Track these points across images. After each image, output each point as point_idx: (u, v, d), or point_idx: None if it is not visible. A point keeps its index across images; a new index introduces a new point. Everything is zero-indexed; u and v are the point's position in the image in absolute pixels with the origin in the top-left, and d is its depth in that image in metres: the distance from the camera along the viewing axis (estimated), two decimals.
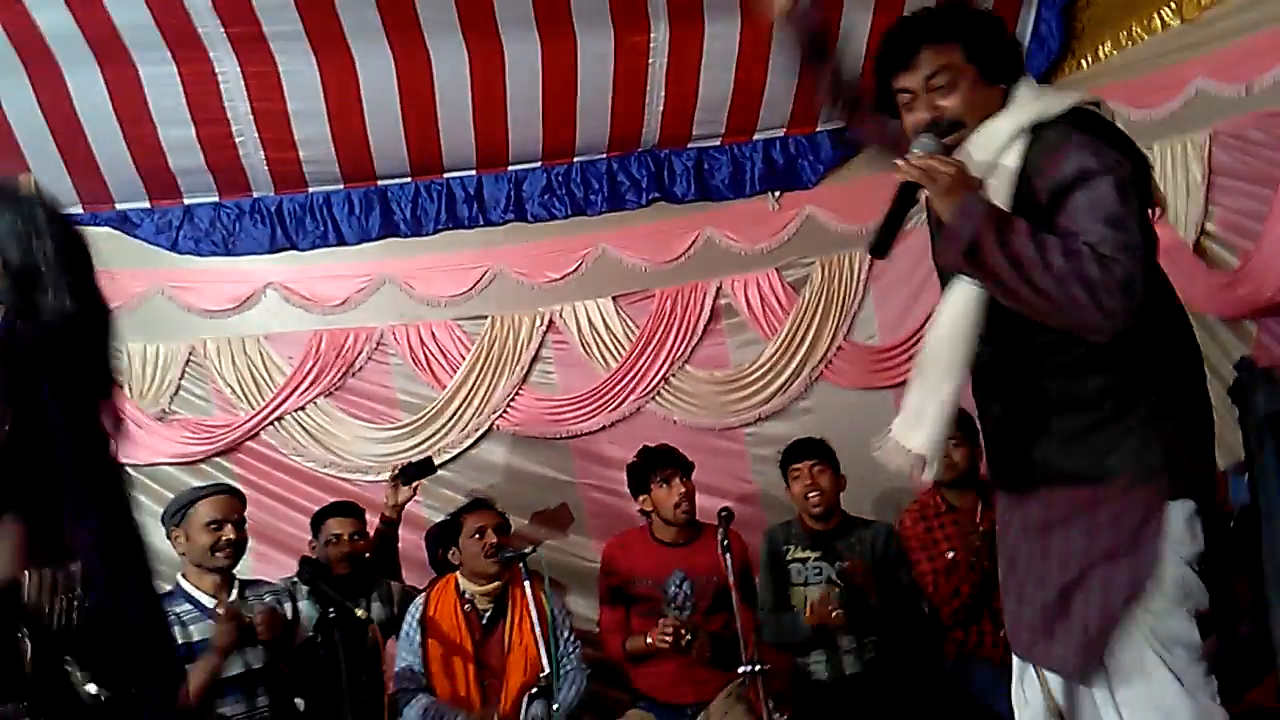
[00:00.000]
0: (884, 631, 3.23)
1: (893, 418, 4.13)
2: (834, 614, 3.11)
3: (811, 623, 3.17)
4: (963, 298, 1.72)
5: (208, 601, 2.88)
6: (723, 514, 3.11)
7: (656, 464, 3.40)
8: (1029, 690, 1.87)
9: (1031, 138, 1.69)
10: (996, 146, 1.70)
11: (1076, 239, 1.58)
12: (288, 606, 2.99)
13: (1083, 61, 3.97)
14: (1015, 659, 1.89)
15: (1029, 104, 1.73)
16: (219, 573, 2.92)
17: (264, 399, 4.07)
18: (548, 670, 2.78)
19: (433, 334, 4.19)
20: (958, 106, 1.72)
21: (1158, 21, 3.67)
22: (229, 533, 2.93)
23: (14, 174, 2.78)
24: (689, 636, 3.16)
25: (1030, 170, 1.66)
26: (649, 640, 3.22)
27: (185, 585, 2.92)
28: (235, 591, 2.93)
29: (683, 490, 3.34)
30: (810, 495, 3.33)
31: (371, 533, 3.58)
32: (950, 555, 3.24)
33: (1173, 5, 3.63)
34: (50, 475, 1.56)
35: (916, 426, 1.76)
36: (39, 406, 1.55)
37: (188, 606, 2.87)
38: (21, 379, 1.53)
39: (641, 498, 3.43)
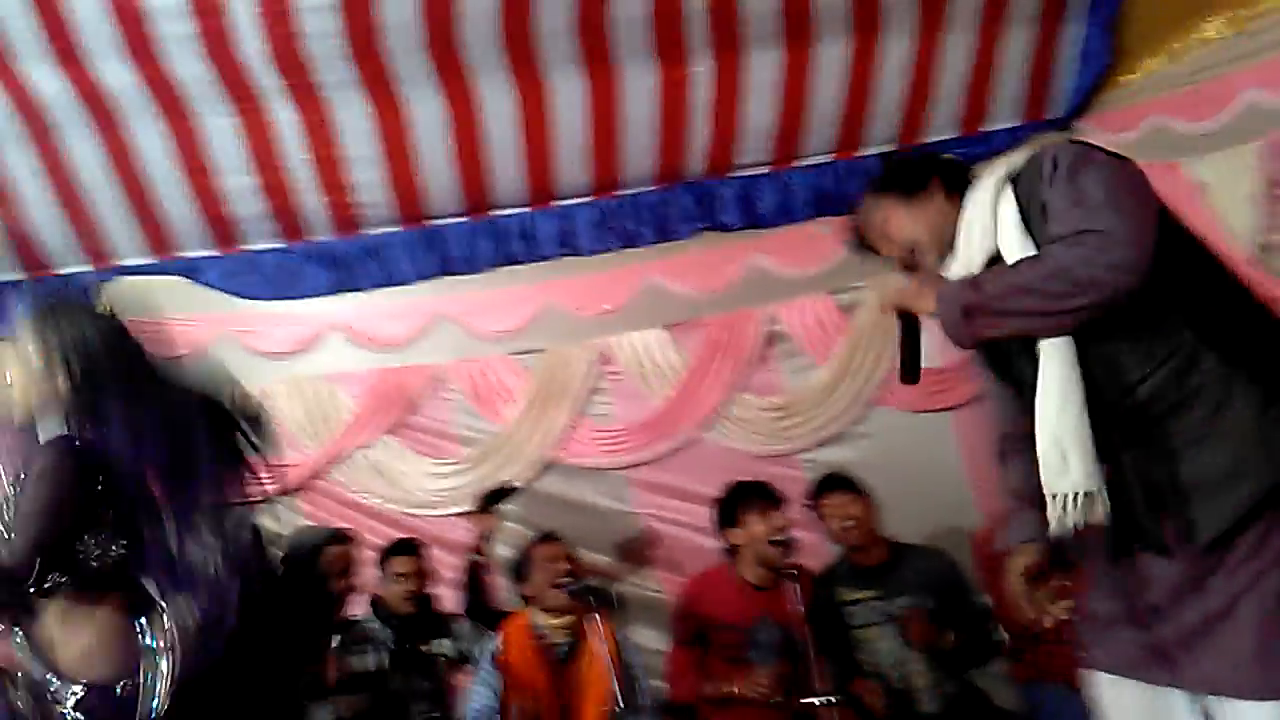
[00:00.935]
0: (960, 666, 3.19)
1: (952, 440, 4.12)
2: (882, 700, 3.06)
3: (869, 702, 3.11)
4: (1054, 363, 1.76)
5: None
6: (785, 542, 3.10)
7: (752, 495, 3.30)
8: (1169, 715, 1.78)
9: (1013, 184, 1.81)
10: (987, 211, 1.82)
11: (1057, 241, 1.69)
12: (383, 657, 3.01)
13: (1130, 76, 3.96)
14: (1150, 687, 1.79)
15: (993, 171, 1.86)
16: None
17: (330, 438, 4.15)
18: (619, 705, 2.79)
19: (490, 369, 4.25)
20: (905, 236, 1.95)
21: (1207, 33, 3.65)
22: (352, 581, 2.97)
23: (90, 282, 2.94)
24: (782, 697, 3.06)
25: (1025, 203, 1.77)
26: (736, 689, 3.11)
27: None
28: (336, 637, 2.96)
29: (781, 524, 3.20)
30: (846, 525, 3.27)
31: (463, 569, 3.59)
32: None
33: (1222, 17, 3.60)
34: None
35: (1063, 471, 1.74)
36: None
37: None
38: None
39: (729, 531, 3.31)
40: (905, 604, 3.20)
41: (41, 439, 1.87)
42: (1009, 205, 1.79)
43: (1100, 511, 1.74)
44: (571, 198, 4.25)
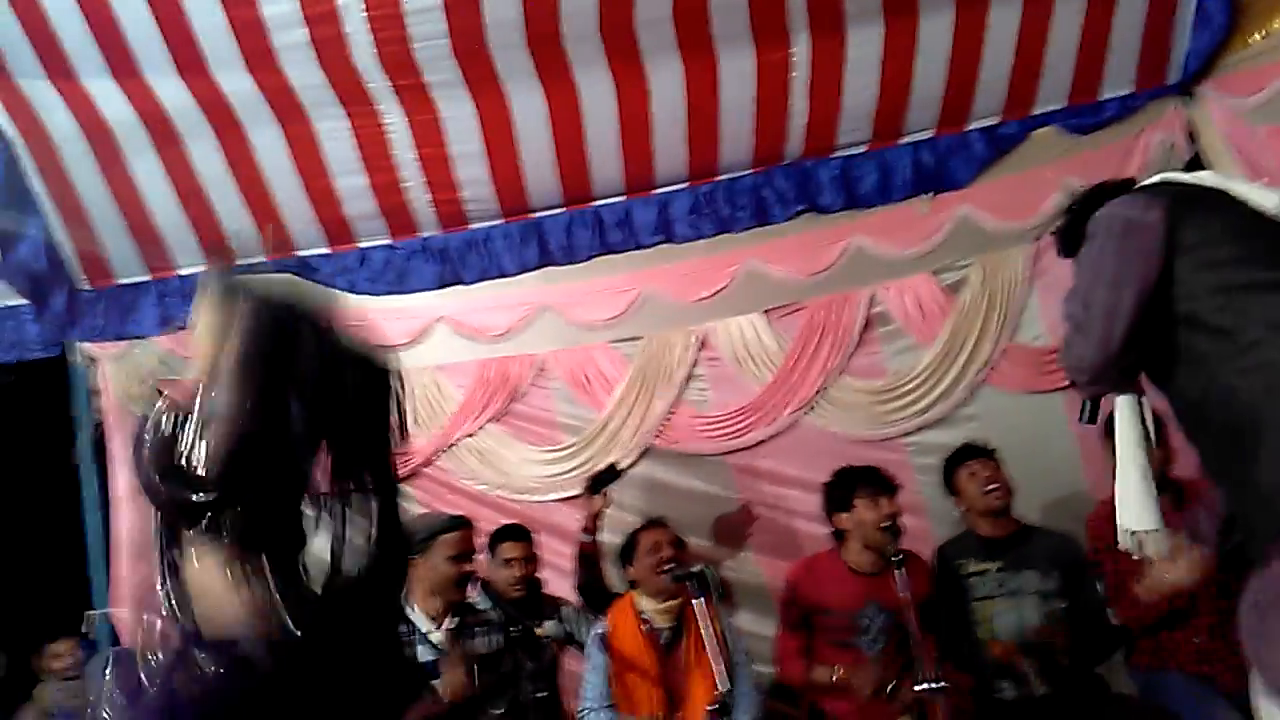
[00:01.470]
0: (1074, 651, 3.12)
1: (1063, 422, 4.04)
2: (1025, 663, 3.02)
3: (998, 657, 3.08)
4: (1120, 415, 2.02)
5: (425, 626, 3.04)
6: (894, 528, 3.08)
7: (863, 481, 3.30)
8: None
9: None
10: None
11: None
12: (498, 639, 3.12)
13: (1251, 39, 3.75)
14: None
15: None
16: (448, 601, 3.07)
17: (439, 427, 4.28)
18: (725, 688, 2.82)
19: (590, 357, 4.31)
20: None
21: None
22: (471, 566, 3.09)
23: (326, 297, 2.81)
24: (892, 685, 3.05)
25: None
26: (840, 675, 3.12)
27: (408, 607, 3.08)
28: (454, 619, 3.07)
29: (891, 510, 3.20)
30: (990, 489, 3.27)
31: (574, 550, 3.70)
32: (1137, 558, 3.11)
33: None
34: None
35: (1123, 509, 2.01)
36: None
37: (405, 629, 3.02)
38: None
39: (839, 516, 3.32)
40: (1028, 579, 3.17)
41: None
42: None
43: (1152, 549, 2.01)
44: (669, 185, 4.26)
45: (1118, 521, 2.01)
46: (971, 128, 4.15)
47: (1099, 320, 1.81)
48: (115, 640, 4.19)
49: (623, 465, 4.02)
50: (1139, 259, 1.77)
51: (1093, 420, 2.03)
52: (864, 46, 3.90)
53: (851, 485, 3.33)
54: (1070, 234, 2.06)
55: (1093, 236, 1.87)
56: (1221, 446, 1.76)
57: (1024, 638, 3.13)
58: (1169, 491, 3.09)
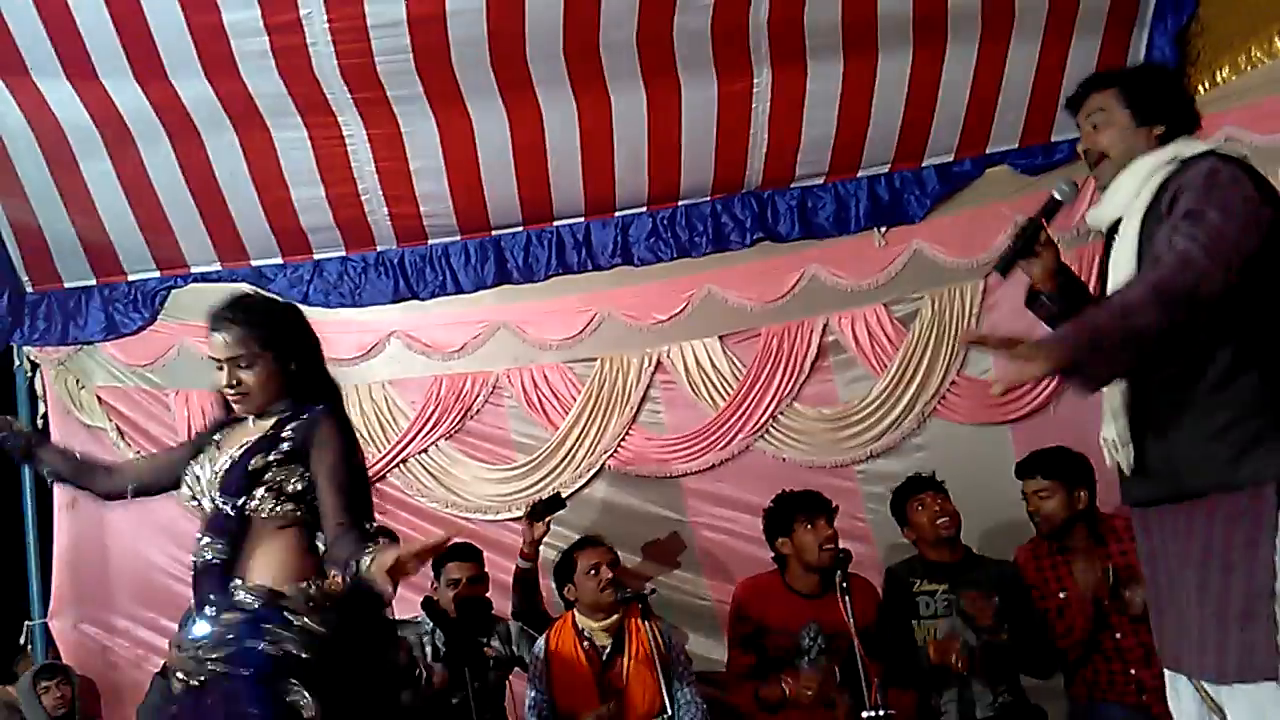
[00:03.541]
0: (1016, 672, 3.17)
1: (1010, 454, 4.13)
2: (957, 661, 3.06)
3: (934, 660, 3.12)
4: None
5: None
6: (841, 555, 3.11)
7: (802, 506, 3.36)
8: (1184, 698, 1.95)
9: (1173, 170, 1.93)
10: (1140, 178, 1.96)
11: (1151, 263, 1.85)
12: (429, 649, 3.09)
13: (1200, 87, 3.87)
14: (1166, 671, 2.00)
15: (1178, 146, 1.98)
16: None
17: (389, 442, 4.25)
18: (669, 711, 2.83)
19: (545, 376, 4.30)
20: (1104, 142, 2.06)
21: (1279, 44, 3.57)
22: None
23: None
24: (833, 695, 3.08)
25: (1166, 193, 1.90)
26: (785, 690, 3.15)
27: None
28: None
29: (829, 533, 3.28)
30: (940, 521, 3.33)
31: (512, 574, 3.67)
32: (1062, 595, 3.22)
33: None
34: None
35: (1106, 423, 2.00)
36: None
37: None
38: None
39: (780, 540, 3.39)
40: (966, 601, 3.23)
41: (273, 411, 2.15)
42: (1155, 185, 1.91)
43: (1115, 458, 1.99)
44: (629, 208, 4.28)
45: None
46: (926, 164, 4.24)
47: (1234, 253, 1.76)
48: (53, 652, 4.08)
49: (569, 492, 4.04)
50: (1257, 230, 1.80)
51: (1003, 274, 2.14)
52: (824, 81, 3.97)
53: (790, 510, 3.39)
54: (1151, 96, 2.04)
55: (1220, 178, 1.83)
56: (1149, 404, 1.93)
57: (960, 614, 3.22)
58: (1086, 523, 3.24)
